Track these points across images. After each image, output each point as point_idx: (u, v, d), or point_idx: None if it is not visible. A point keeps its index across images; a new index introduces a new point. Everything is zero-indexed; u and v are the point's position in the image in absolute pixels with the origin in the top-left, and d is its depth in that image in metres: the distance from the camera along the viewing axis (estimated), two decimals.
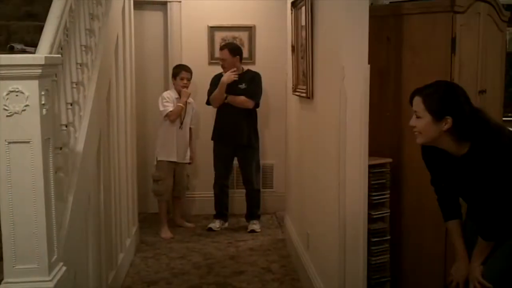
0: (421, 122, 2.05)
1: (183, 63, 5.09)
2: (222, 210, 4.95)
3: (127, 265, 3.89)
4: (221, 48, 4.77)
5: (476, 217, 2.19)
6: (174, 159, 4.74)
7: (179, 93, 4.74)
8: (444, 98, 2.02)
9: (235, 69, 4.62)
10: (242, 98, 4.69)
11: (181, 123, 4.75)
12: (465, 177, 2.08)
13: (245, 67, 4.85)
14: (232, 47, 4.73)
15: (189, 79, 4.75)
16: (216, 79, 4.74)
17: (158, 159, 4.75)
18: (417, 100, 2.06)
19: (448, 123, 2.00)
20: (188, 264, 4.06)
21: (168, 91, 4.81)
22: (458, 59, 2.94)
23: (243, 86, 4.70)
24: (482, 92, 3.17)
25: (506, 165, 1.97)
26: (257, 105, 4.78)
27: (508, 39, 4.28)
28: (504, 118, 3.59)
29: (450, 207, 2.30)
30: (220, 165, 4.87)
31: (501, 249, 2.11)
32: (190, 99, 4.82)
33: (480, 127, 2.01)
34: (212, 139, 4.88)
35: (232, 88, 4.67)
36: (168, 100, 4.67)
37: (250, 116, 4.80)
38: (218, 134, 4.84)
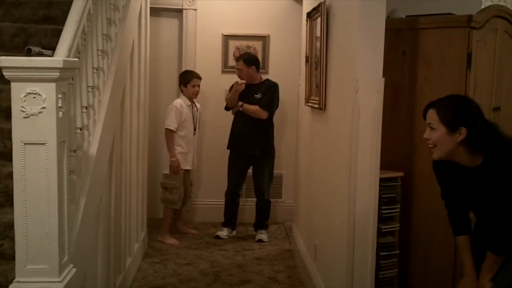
0: (435, 134, 2.05)
1: (197, 70, 5.12)
2: (230, 218, 4.92)
3: (134, 269, 3.90)
4: (237, 59, 4.78)
5: (486, 231, 2.18)
6: (189, 167, 4.74)
7: (190, 100, 4.72)
8: (458, 109, 2.04)
9: (244, 81, 4.62)
10: (255, 107, 4.66)
11: (195, 129, 4.76)
12: (477, 189, 2.08)
13: (263, 77, 4.84)
14: (246, 58, 4.72)
15: (199, 86, 4.76)
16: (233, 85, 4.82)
17: (164, 172, 4.71)
18: (431, 112, 2.07)
19: (462, 133, 2.01)
20: (195, 271, 4.06)
21: (179, 101, 4.71)
22: (473, 75, 2.94)
23: (258, 96, 4.66)
24: (497, 109, 3.16)
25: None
26: (270, 116, 4.72)
27: None
28: None
29: (460, 222, 2.29)
30: (234, 174, 4.85)
31: (510, 264, 2.09)
32: (198, 105, 4.84)
33: (494, 140, 2.02)
34: (227, 148, 4.85)
35: (247, 97, 4.66)
36: (175, 114, 4.61)
37: (265, 126, 4.73)
38: (232, 143, 4.82)
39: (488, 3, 4.99)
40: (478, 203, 2.14)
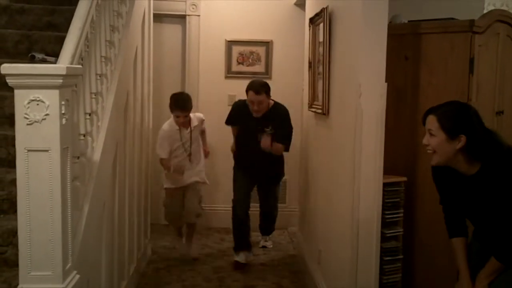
0: (434, 140, 2.05)
1: (200, 76, 5.12)
2: (243, 241, 4.33)
3: (138, 275, 3.90)
4: (257, 92, 3.98)
5: (483, 238, 2.17)
6: (181, 185, 4.25)
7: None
8: (458, 116, 2.03)
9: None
10: (280, 148, 4.11)
11: (189, 155, 4.25)
12: (474, 197, 2.08)
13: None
14: (267, 89, 4.04)
15: (186, 116, 4.13)
16: (238, 109, 4.25)
17: (165, 186, 4.33)
18: (431, 119, 2.07)
19: (461, 141, 2.01)
20: (199, 276, 4.05)
21: (168, 124, 4.24)
22: (476, 79, 2.94)
23: (269, 130, 4.04)
24: (500, 113, 3.15)
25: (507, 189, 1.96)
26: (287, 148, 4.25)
27: None
28: None
29: (456, 224, 2.28)
30: (241, 192, 4.29)
31: (509, 274, 2.08)
32: (196, 122, 4.25)
33: (492, 148, 2.02)
34: (235, 165, 4.39)
35: (256, 131, 4.08)
36: (164, 140, 4.16)
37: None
38: (239, 163, 4.35)
39: (491, 8, 5.00)
40: (474, 210, 2.14)
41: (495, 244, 2.10)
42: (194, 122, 4.24)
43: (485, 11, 3.71)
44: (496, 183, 1.98)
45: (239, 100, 4.31)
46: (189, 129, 4.19)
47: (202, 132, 4.43)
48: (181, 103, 4.09)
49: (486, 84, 3.04)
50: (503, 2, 6.17)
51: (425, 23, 3.10)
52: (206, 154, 4.52)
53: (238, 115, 4.23)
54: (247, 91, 4.04)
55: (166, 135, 4.18)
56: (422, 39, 3.07)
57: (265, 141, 4.01)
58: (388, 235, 3.01)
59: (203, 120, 4.40)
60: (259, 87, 4.01)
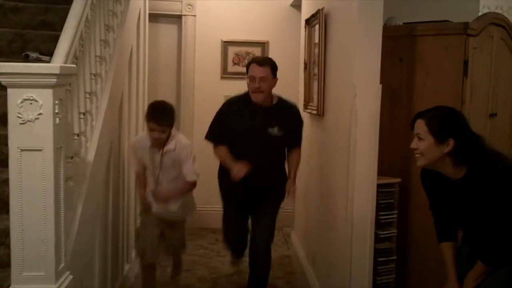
0: (423, 144, 2.07)
1: (196, 76, 5.09)
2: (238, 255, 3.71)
3: (132, 276, 3.88)
4: (260, 63, 3.08)
5: (472, 243, 2.20)
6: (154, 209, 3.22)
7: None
8: (446, 120, 2.06)
9: (245, 170, 2.96)
10: (299, 160, 3.25)
11: (156, 181, 3.16)
12: (461, 202, 2.10)
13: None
14: (274, 64, 3.13)
15: (164, 131, 3.04)
16: (230, 107, 3.23)
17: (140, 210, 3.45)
18: (420, 123, 2.08)
19: (450, 145, 2.02)
20: (193, 277, 4.04)
21: (138, 136, 3.55)
22: (470, 82, 2.95)
23: (275, 131, 3.08)
24: (493, 115, 3.16)
25: (500, 192, 1.98)
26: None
27: None
28: None
29: (445, 229, 2.30)
30: (234, 237, 3.51)
31: (495, 276, 2.09)
32: (172, 146, 3.10)
33: (479, 152, 2.04)
34: (222, 198, 3.49)
35: (258, 129, 3.09)
36: (130, 151, 3.36)
37: (279, 162, 3.23)
38: (231, 192, 3.28)
39: (486, 11, 5.02)
40: (461, 215, 2.16)
41: (481, 247, 2.12)
42: (169, 145, 3.09)
43: (480, 14, 3.72)
44: (481, 188, 2.00)
45: (230, 98, 3.31)
46: (163, 150, 3.10)
47: (184, 162, 3.12)
48: (157, 113, 3.05)
49: (480, 86, 3.05)
50: (497, 5, 6.19)
51: (420, 25, 3.11)
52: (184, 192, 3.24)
53: (232, 115, 3.16)
54: (247, 66, 3.13)
55: (132, 145, 3.31)
56: (417, 41, 3.08)
57: (239, 170, 2.95)
58: (382, 236, 3.01)
59: (187, 147, 3.13)
60: (263, 59, 3.21)
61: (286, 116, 3.16)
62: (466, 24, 2.91)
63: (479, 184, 2.01)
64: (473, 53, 2.95)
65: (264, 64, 3.07)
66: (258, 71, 3.04)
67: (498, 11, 5.66)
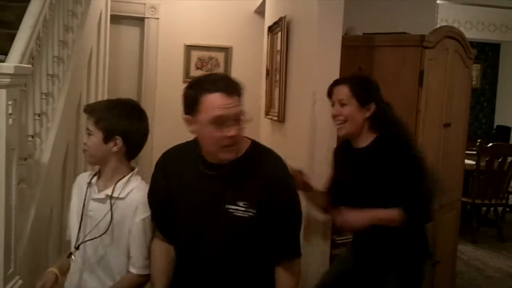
0: (346, 109, 2.14)
1: (158, 80, 5.05)
2: None
3: None
4: (230, 93, 1.74)
5: (362, 241, 2.26)
6: None
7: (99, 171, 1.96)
8: (368, 85, 2.18)
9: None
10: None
11: (77, 247, 1.89)
12: (362, 172, 2.14)
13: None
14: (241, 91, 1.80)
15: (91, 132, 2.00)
16: (171, 169, 1.95)
17: None
18: (342, 88, 2.17)
19: (371, 109, 2.12)
20: None
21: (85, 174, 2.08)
22: (425, 92, 3.02)
23: (241, 206, 1.70)
24: (447, 125, 3.26)
25: (403, 157, 2.05)
26: None
27: (474, 76, 4.39)
28: (467, 152, 3.70)
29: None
30: None
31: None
32: (118, 190, 1.88)
33: (390, 118, 2.16)
34: None
35: (216, 203, 1.72)
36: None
37: None
38: None
39: (444, 24, 5.17)
40: (359, 190, 2.17)
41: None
42: (119, 190, 1.88)
43: (437, 26, 3.83)
44: (385, 154, 2.07)
45: (170, 150, 2.08)
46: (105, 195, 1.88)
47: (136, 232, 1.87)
48: (90, 105, 2.19)
49: (435, 96, 3.13)
50: (455, 18, 6.42)
51: (379, 36, 3.17)
52: None
53: (173, 182, 1.86)
54: (200, 98, 1.81)
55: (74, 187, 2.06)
56: (376, 51, 3.14)
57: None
58: (338, 241, 3.05)
59: (142, 208, 1.88)
60: (232, 84, 1.77)
61: (268, 181, 1.72)
62: (422, 37, 2.99)
63: (384, 150, 2.08)
64: (429, 65, 3.03)
65: (234, 93, 1.74)
66: (229, 108, 1.71)
67: (455, 24, 5.87)
